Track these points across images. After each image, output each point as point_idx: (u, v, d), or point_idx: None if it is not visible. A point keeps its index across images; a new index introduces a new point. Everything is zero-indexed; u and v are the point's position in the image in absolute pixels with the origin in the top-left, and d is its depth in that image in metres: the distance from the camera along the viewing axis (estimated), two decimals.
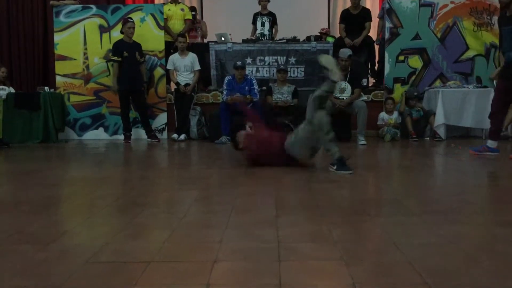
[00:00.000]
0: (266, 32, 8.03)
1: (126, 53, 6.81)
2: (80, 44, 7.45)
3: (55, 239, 2.14)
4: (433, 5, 7.36)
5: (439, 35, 7.35)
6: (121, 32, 6.98)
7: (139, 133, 7.35)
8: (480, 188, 3.43)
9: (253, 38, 7.93)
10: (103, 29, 7.44)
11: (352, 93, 6.45)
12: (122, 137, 7.13)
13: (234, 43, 7.73)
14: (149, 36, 7.42)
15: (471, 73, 7.37)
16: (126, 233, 2.23)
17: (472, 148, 5.10)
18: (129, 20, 6.93)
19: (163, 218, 2.55)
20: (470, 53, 7.37)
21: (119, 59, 6.81)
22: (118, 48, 6.84)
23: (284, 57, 7.61)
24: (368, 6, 9.16)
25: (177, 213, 2.63)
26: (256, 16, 8.18)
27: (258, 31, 8.06)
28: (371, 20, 7.73)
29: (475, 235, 2.20)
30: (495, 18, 7.27)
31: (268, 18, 8.07)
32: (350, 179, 3.66)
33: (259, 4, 8.13)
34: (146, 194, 3.20)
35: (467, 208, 2.71)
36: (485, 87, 6.91)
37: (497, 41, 7.26)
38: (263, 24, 8.06)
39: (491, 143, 4.91)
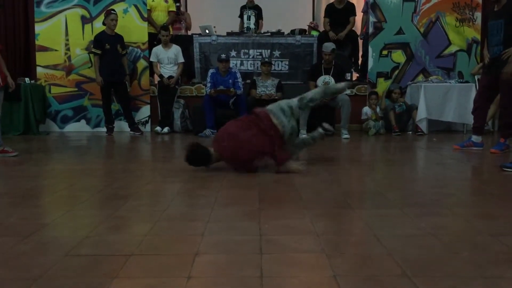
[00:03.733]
0: (252, 26, 8.01)
1: (108, 46, 6.73)
2: (61, 35, 7.33)
3: (35, 231, 2.11)
4: (416, 0, 7.41)
5: (422, 30, 7.40)
6: (103, 24, 6.88)
7: (121, 126, 7.28)
8: (461, 181, 3.48)
9: (238, 31, 7.90)
10: (85, 20, 7.33)
11: None
12: (104, 129, 7.05)
13: (218, 35, 7.68)
14: (132, 27, 7.33)
15: (453, 68, 7.44)
16: (107, 226, 2.21)
17: (456, 143, 5.16)
18: (112, 12, 6.84)
19: (145, 211, 2.53)
20: (452, 48, 7.44)
21: (99, 52, 6.73)
22: (99, 40, 6.75)
23: (269, 50, 7.59)
24: (352, 0, 9.17)
25: (159, 205, 2.62)
26: (242, 9, 8.15)
27: (245, 25, 8.04)
28: (355, 15, 7.75)
29: (455, 227, 2.23)
30: (477, 14, 7.35)
31: (254, 11, 8.05)
32: (334, 173, 3.67)
33: None
34: (128, 186, 3.18)
35: (448, 200, 2.75)
36: (467, 82, 6.99)
37: (478, 37, 7.34)
38: (248, 18, 8.03)
39: (476, 138, 4.96)
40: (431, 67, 7.43)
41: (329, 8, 7.81)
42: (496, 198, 2.83)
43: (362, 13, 8.16)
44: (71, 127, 7.35)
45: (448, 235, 2.06)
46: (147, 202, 2.76)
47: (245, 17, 8.04)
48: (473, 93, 6.22)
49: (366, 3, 7.93)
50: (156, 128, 7.00)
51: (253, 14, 8.02)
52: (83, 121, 7.39)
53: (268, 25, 8.19)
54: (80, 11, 7.32)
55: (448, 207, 2.58)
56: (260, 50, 7.63)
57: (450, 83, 6.93)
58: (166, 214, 2.42)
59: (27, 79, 7.19)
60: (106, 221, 2.29)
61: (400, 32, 7.40)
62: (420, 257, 1.78)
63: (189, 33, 8.30)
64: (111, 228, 2.18)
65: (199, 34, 7.70)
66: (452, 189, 3.11)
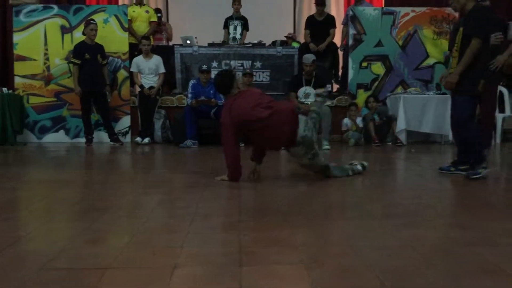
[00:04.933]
0: (238, 36, 8.06)
1: (88, 55, 6.68)
2: (40, 45, 7.25)
3: (10, 244, 2.07)
4: (395, 13, 7.53)
5: (400, 42, 7.53)
6: (83, 34, 6.84)
7: (101, 136, 7.20)
8: (439, 192, 3.52)
9: (219, 42, 7.92)
10: (64, 30, 7.26)
11: None
12: (83, 140, 6.97)
13: (199, 46, 7.68)
14: (113, 37, 7.29)
15: (431, 80, 7.57)
16: (84, 239, 2.18)
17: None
18: (91, 22, 6.80)
19: (123, 223, 2.50)
20: (430, 61, 7.58)
21: (79, 62, 6.69)
22: (79, 50, 6.71)
23: (250, 61, 7.61)
24: (332, 13, 9.28)
25: (138, 217, 2.59)
26: (228, 20, 8.19)
27: (231, 35, 8.08)
28: (335, 27, 7.84)
29: (432, 237, 2.26)
30: None
31: (240, 22, 8.10)
32: (313, 184, 3.68)
33: (232, 7, 8.15)
34: (107, 198, 3.14)
35: (425, 211, 2.79)
36: (444, 94, 7.10)
37: None
38: (235, 28, 8.09)
39: None
40: (410, 79, 7.55)
41: (310, 20, 7.89)
42: (472, 209, 2.87)
43: (342, 25, 8.26)
44: (50, 138, 7.25)
45: (425, 246, 2.08)
46: (125, 214, 2.73)
47: (231, 27, 8.09)
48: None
49: (346, 16, 8.03)
50: (136, 139, 6.95)
51: (239, 25, 8.07)
52: (61, 132, 7.29)
53: (249, 36, 8.23)
54: (60, 21, 7.26)
55: (426, 218, 2.61)
56: (241, 61, 7.66)
57: (428, 94, 7.04)
58: (145, 226, 2.40)
59: (4, 89, 7.09)
60: (83, 233, 2.26)
61: (379, 44, 7.51)
62: (398, 268, 1.79)
63: (171, 43, 8.30)
64: (88, 241, 2.15)
65: (181, 45, 7.70)
66: (430, 200, 3.15)
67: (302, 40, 8.37)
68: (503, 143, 6.94)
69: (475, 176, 3.74)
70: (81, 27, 7.02)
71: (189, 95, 6.70)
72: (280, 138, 3.68)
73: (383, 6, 9.18)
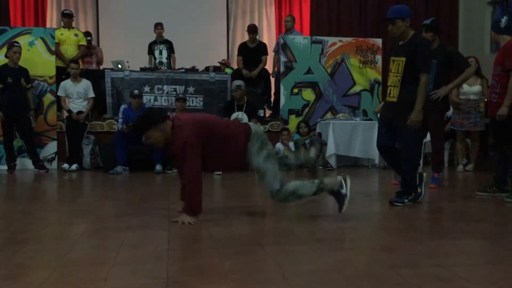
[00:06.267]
0: (164, 60, 8.03)
1: (10, 79, 6.38)
2: None
3: None
4: (323, 43, 7.84)
5: (329, 70, 7.83)
6: (6, 56, 6.54)
7: (25, 163, 6.83)
8: (365, 215, 3.64)
9: (152, 67, 7.85)
10: None
11: None
12: (5, 167, 6.59)
13: (131, 71, 7.57)
14: (39, 60, 7.01)
15: (358, 107, 7.91)
16: (1, 274, 2.04)
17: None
18: (14, 44, 6.52)
19: (44, 256, 2.37)
20: (356, 88, 7.92)
21: (0, 85, 6.37)
22: (1, 73, 6.38)
23: (183, 87, 7.59)
24: (264, 40, 9.49)
25: (60, 249, 2.47)
26: (152, 45, 8.15)
27: (157, 60, 8.04)
28: (267, 54, 8.04)
29: (357, 260, 2.33)
30: (378, 57, 7.93)
31: (165, 46, 8.09)
32: (246, 210, 3.69)
33: (154, 31, 8.14)
34: (27, 229, 2.97)
35: (352, 235, 2.88)
36: (370, 119, 7.44)
37: (380, 78, 7.89)
38: (160, 52, 8.07)
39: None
40: (338, 105, 7.83)
41: (242, 47, 8.04)
42: (396, 231, 2.99)
43: (273, 53, 8.47)
44: None
45: (350, 269, 2.14)
46: (47, 247, 2.59)
47: (156, 52, 8.07)
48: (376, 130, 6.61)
49: (277, 43, 8.25)
50: (63, 165, 6.66)
51: (165, 48, 8.07)
52: None
53: (183, 62, 8.23)
54: None
55: (352, 241, 2.69)
56: (174, 86, 7.62)
57: (356, 120, 7.34)
58: (68, 258, 2.29)
59: None
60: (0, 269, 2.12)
61: (309, 71, 7.76)
62: None
63: (101, 67, 8.11)
64: (5, 276, 2.02)
65: (111, 69, 7.55)
66: (357, 223, 3.25)
67: (235, 66, 8.49)
68: (425, 166, 7.32)
69: (398, 204, 3.85)
70: (4, 49, 6.71)
71: (120, 120, 6.55)
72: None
73: (309, 35, 9.52)
